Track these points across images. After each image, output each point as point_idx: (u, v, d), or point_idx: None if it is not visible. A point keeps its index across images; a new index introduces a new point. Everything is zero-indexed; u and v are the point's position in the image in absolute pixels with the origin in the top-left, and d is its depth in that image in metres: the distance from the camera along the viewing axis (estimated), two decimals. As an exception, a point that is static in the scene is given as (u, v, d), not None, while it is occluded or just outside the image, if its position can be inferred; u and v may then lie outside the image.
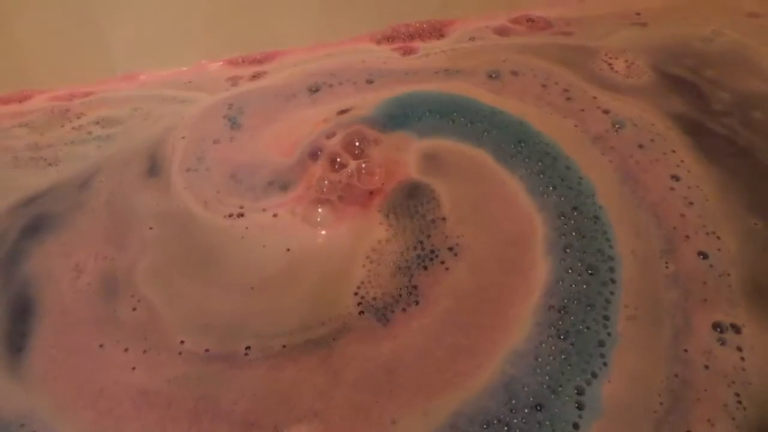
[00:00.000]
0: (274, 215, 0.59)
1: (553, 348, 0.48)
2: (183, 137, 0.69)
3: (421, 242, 0.55)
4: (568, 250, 0.53)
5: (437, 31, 0.83)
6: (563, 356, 0.47)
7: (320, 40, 0.82)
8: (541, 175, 0.59)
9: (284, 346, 0.50)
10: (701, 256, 0.54)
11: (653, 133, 0.65)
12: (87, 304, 0.54)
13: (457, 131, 0.65)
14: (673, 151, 0.63)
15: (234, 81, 0.76)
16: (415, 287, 0.52)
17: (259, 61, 0.80)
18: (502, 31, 0.83)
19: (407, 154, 0.63)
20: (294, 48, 0.81)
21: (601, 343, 0.48)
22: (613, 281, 0.51)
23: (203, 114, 0.72)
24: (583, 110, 0.67)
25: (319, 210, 0.58)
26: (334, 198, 0.59)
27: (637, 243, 0.54)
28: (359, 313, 0.51)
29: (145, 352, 0.51)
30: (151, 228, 0.60)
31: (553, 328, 0.49)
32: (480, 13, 0.84)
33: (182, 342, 0.51)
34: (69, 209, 0.62)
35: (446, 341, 0.49)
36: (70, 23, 0.75)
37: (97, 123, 0.73)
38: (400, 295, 0.51)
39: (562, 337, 0.48)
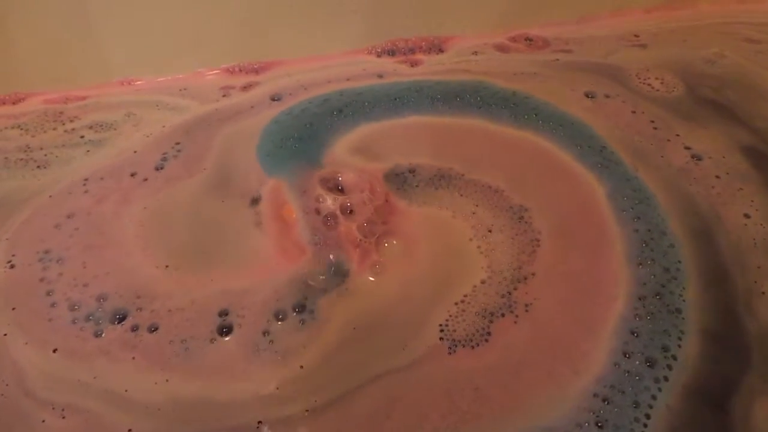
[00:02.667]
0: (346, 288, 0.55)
1: (585, 435, 0.45)
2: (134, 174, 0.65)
3: (510, 293, 0.53)
4: (635, 334, 0.49)
5: (436, 47, 0.81)
6: (594, 445, 0.44)
7: (317, 51, 0.80)
8: (644, 245, 0.55)
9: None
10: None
11: (727, 167, 0.63)
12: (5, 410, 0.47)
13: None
14: (741, 189, 0.61)
15: (226, 91, 0.74)
16: (489, 333, 0.50)
17: (255, 71, 0.78)
18: (502, 48, 0.81)
19: (353, 159, 0.64)
20: (291, 59, 0.79)
21: None
22: (666, 379, 0.47)
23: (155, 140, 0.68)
24: (669, 140, 0.66)
25: (386, 245, 0.57)
26: (381, 228, 0.57)
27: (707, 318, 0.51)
28: (439, 339, 0.50)
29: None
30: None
31: (593, 414, 0.45)
32: (476, 31, 0.82)
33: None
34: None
35: (466, 397, 0.47)
36: (68, 27, 0.73)
37: (90, 127, 0.70)
38: (474, 335, 0.50)
39: (600, 425, 0.45)
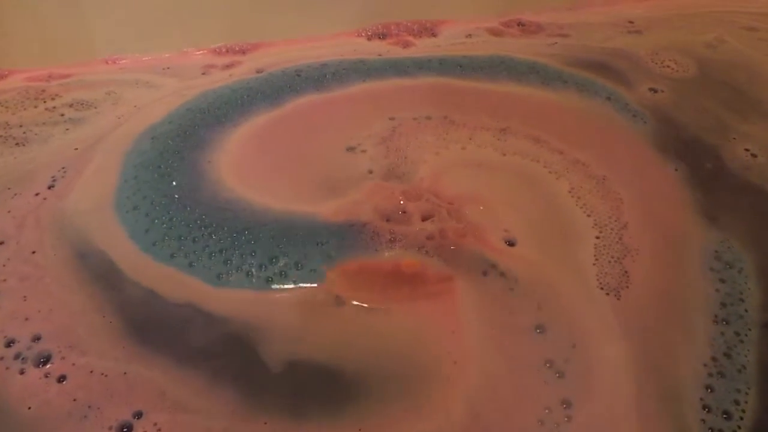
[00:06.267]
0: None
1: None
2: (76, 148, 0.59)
3: (621, 237, 0.52)
4: (710, 390, 0.44)
5: (428, 30, 0.76)
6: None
7: (306, 33, 0.75)
8: (727, 306, 0.50)
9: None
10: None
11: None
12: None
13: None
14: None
15: (206, 70, 0.69)
16: (626, 272, 0.50)
17: (242, 52, 0.73)
18: (496, 32, 0.76)
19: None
20: (280, 40, 0.74)
21: None
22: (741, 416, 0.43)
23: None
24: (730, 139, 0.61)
25: (469, 212, 0.53)
26: (454, 207, 0.54)
27: None
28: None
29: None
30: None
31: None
32: (469, 15, 0.77)
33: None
34: None
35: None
36: (53, 3, 0.68)
37: (71, 105, 0.66)
38: (616, 280, 0.49)
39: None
